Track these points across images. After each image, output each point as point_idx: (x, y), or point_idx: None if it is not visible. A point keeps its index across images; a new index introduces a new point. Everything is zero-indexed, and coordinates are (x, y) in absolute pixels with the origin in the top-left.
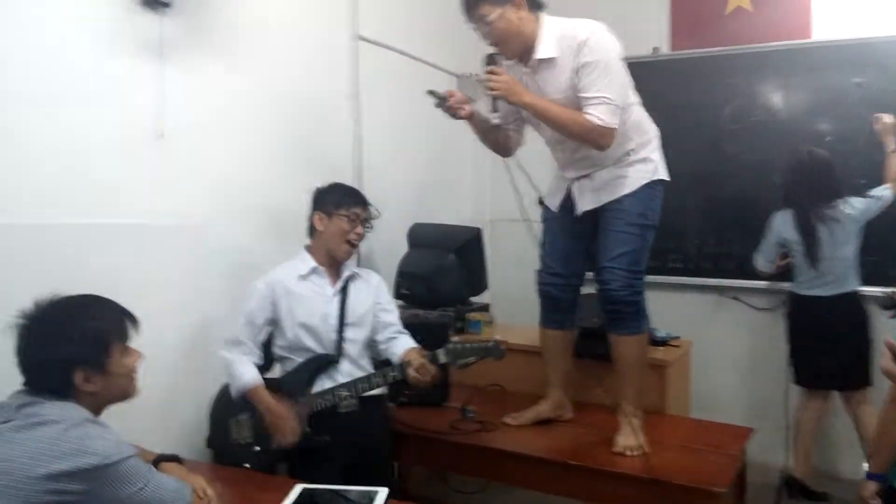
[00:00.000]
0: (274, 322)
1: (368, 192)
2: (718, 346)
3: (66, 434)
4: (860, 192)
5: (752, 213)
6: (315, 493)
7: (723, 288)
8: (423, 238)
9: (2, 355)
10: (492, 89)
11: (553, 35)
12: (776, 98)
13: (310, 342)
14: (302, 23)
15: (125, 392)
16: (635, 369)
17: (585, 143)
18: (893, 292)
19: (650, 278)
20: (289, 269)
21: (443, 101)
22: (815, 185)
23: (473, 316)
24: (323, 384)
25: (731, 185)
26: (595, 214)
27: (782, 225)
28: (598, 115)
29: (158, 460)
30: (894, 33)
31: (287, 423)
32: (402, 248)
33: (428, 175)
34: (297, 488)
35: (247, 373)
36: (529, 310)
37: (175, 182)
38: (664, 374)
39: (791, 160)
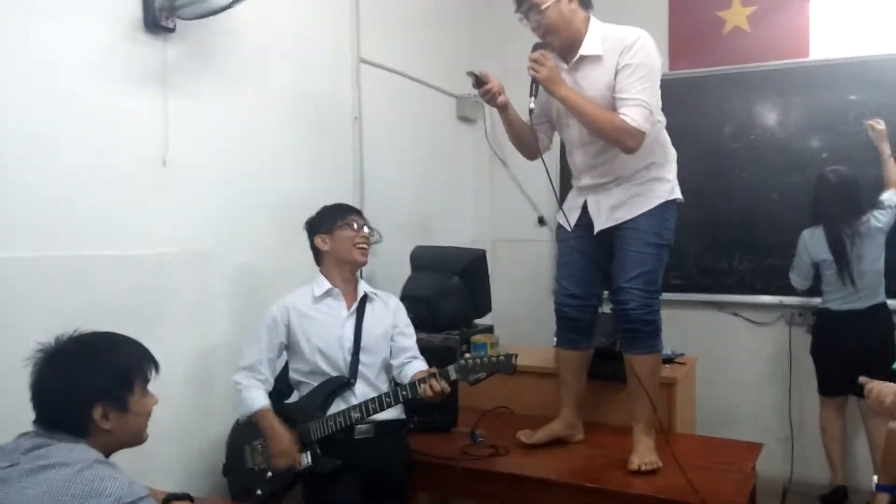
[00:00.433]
0: (288, 347)
1: (370, 216)
2: (719, 361)
3: (78, 476)
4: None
5: (751, 229)
6: None
7: (722, 304)
8: (426, 261)
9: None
10: (535, 72)
11: (598, 34)
12: (774, 116)
13: (325, 365)
14: (305, 47)
15: (138, 434)
16: (650, 387)
17: (614, 142)
18: None
19: None
20: (303, 292)
21: (481, 84)
22: (844, 203)
23: (478, 338)
24: (338, 407)
25: (730, 202)
26: (610, 234)
27: (812, 243)
28: (633, 115)
29: (168, 499)
30: (889, 52)
31: (283, 447)
32: (405, 270)
33: (429, 197)
34: None
35: (255, 398)
36: (533, 330)
37: (179, 209)
38: (672, 391)
39: (817, 180)
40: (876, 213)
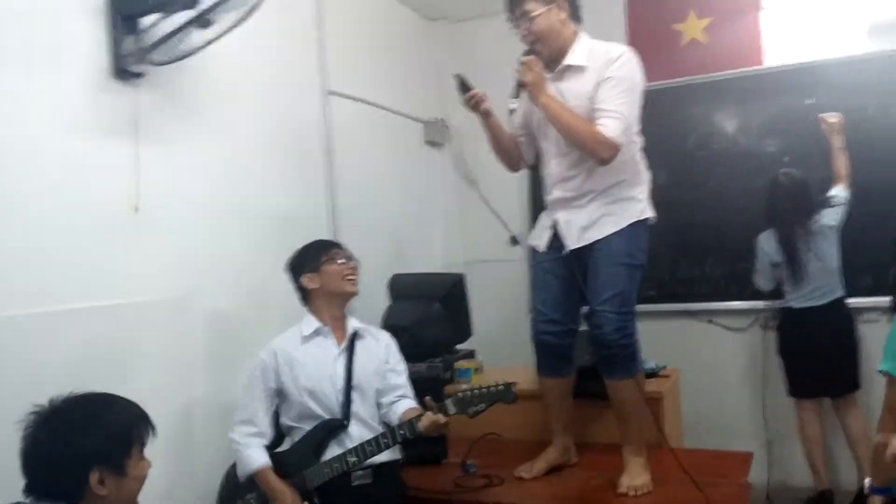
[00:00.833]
0: (280, 392)
1: (345, 245)
2: (698, 369)
3: None
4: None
5: (721, 235)
6: None
7: (697, 312)
8: (405, 289)
9: None
10: (522, 75)
11: (586, 47)
12: (736, 123)
13: (317, 407)
14: (274, 83)
15: (131, 500)
16: (634, 410)
17: (590, 152)
18: None
19: None
20: (291, 334)
21: (466, 89)
22: (795, 205)
23: (462, 364)
24: (333, 451)
25: (698, 209)
26: (584, 254)
27: (768, 245)
28: (609, 126)
29: None
30: (839, 55)
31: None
32: (382, 299)
33: (401, 222)
34: None
35: (253, 457)
36: (513, 350)
37: (154, 256)
38: (660, 406)
39: (769, 184)
40: (827, 211)
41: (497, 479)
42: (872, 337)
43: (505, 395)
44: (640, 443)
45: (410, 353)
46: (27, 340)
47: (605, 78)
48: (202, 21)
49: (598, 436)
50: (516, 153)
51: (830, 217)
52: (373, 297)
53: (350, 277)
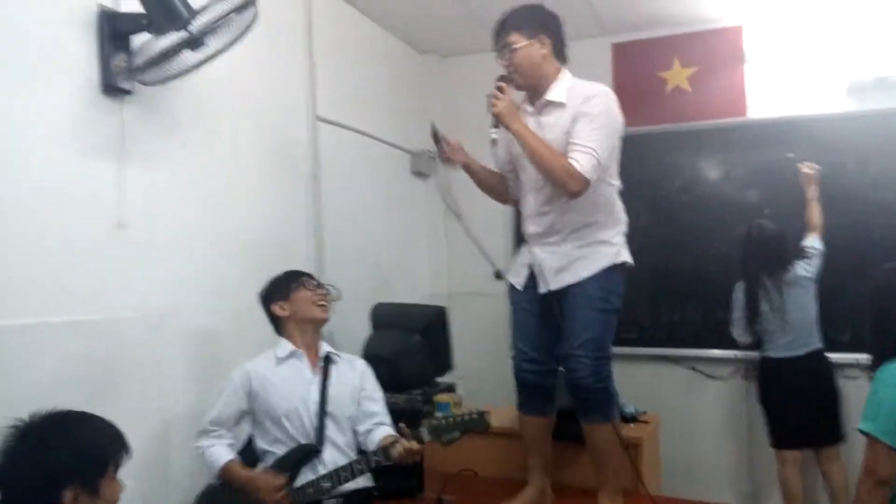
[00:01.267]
0: (250, 414)
1: (331, 273)
2: (678, 416)
3: None
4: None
5: (702, 282)
6: None
7: (678, 358)
8: (386, 318)
9: None
10: (494, 106)
11: (566, 85)
12: (718, 172)
13: (291, 430)
14: (262, 107)
15: None
16: (611, 456)
17: (560, 184)
18: None
19: None
20: (266, 356)
21: (439, 141)
22: (765, 257)
23: (441, 398)
24: (306, 476)
25: (680, 255)
26: (560, 295)
27: (741, 297)
28: (580, 161)
29: None
30: (820, 112)
31: (261, 484)
32: (364, 329)
33: (387, 251)
34: None
35: (218, 454)
36: (492, 386)
37: (136, 272)
38: (638, 452)
39: (741, 236)
40: (802, 262)
41: None
42: (852, 394)
43: (478, 423)
44: (615, 488)
45: (390, 384)
46: (4, 354)
47: (582, 114)
48: (194, 42)
49: (574, 479)
50: (503, 188)
51: (804, 268)
52: (355, 325)
53: (321, 303)
